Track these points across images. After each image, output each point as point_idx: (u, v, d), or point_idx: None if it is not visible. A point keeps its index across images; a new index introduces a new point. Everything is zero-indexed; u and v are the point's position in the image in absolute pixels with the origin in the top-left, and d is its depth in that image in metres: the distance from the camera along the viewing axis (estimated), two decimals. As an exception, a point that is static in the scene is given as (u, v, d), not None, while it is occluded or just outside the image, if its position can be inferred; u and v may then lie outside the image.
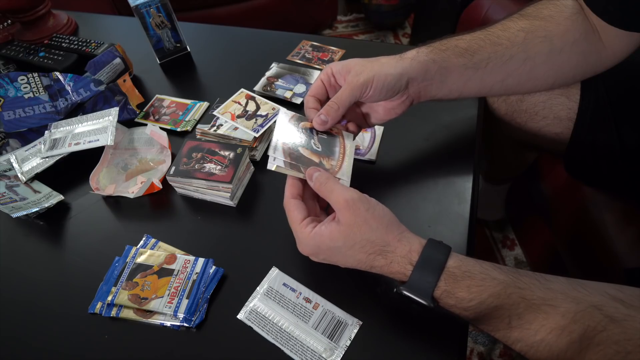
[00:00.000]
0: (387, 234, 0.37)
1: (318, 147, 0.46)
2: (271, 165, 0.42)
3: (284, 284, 0.45)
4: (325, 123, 0.44)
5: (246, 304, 0.44)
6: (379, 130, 0.59)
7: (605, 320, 0.31)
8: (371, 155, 0.56)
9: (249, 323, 0.42)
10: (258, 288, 0.45)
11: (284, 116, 0.48)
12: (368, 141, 0.57)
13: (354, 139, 0.48)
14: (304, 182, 0.43)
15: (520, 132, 0.69)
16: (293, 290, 0.44)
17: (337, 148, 0.47)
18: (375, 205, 0.39)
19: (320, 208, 0.45)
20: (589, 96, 0.61)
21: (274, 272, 0.46)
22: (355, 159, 0.56)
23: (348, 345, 0.40)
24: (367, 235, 0.37)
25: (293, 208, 0.41)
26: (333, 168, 0.45)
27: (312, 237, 0.39)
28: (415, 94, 0.46)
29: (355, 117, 0.50)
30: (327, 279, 0.45)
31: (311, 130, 0.47)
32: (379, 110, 0.49)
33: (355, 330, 0.41)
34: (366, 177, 0.55)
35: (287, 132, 0.46)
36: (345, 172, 0.45)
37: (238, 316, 0.43)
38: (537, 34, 0.46)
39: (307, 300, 0.43)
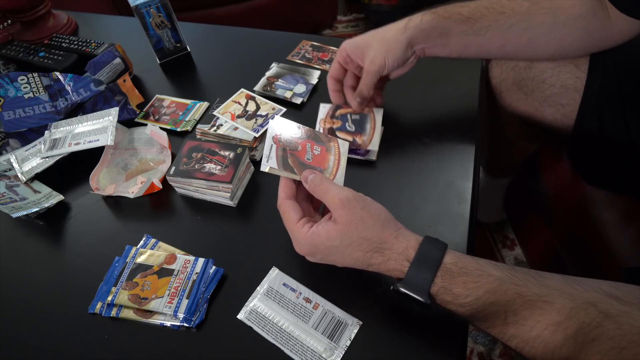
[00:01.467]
0: (384, 232, 0.38)
1: (352, 128, 0.56)
2: (264, 167, 0.43)
3: (284, 284, 0.45)
4: (363, 105, 0.55)
5: (246, 304, 0.44)
6: (378, 131, 0.59)
7: (600, 317, 0.31)
8: (371, 155, 0.56)
9: (249, 323, 0.42)
10: (258, 288, 0.45)
11: (280, 121, 0.48)
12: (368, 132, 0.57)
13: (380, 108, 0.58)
14: (297, 183, 0.44)
15: (526, 103, 0.68)
16: (293, 290, 0.44)
17: (368, 125, 0.57)
18: (370, 204, 0.39)
19: (314, 209, 0.46)
20: (596, 74, 0.60)
21: (274, 272, 0.46)
22: (355, 159, 0.56)
23: (348, 345, 0.40)
24: (363, 233, 0.37)
25: (289, 209, 0.41)
26: (364, 142, 0.55)
27: (309, 237, 0.39)
28: (420, 52, 0.53)
29: (376, 85, 0.56)
30: (327, 280, 0.45)
31: (345, 116, 0.57)
32: (394, 72, 0.56)
33: (355, 330, 0.41)
34: (366, 177, 0.55)
35: (286, 133, 0.46)
36: (375, 142, 0.55)
37: (238, 316, 0.43)
38: (541, 4, 0.47)
39: (307, 300, 0.43)
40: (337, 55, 0.55)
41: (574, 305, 0.32)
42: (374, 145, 0.56)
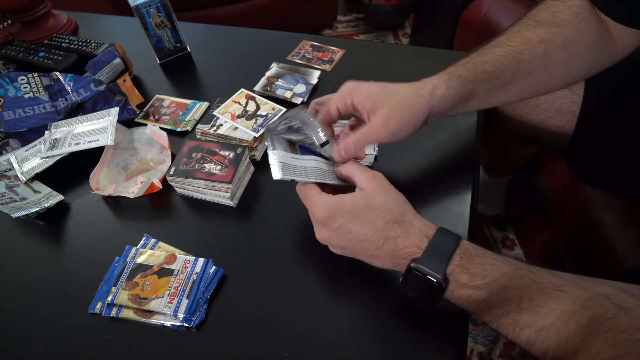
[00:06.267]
0: (405, 206, 0.40)
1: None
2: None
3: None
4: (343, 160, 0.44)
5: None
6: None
7: (614, 309, 0.31)
8: (368, 159, 0.56)
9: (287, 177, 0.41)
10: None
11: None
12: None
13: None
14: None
15: (522, 124, 0.69)
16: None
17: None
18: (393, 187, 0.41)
19: None
20: (593, 90, 0.60)
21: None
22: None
23: None
24: (388, 202, 0.39)
25: (312, 186, 0.41)
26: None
27: (334, 200, 0.39)
28: (434, 119, 0.46)
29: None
30: (327, 280, 0.45)
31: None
32: None
33: None
34: (366, 177, 0.55)
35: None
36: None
37: (275, 177, 0.41)
38: (556, 42, 0.46)
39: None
40: (337, 101, 0.44)
41: (589, 296, 0.32)
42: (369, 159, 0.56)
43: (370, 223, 0.38)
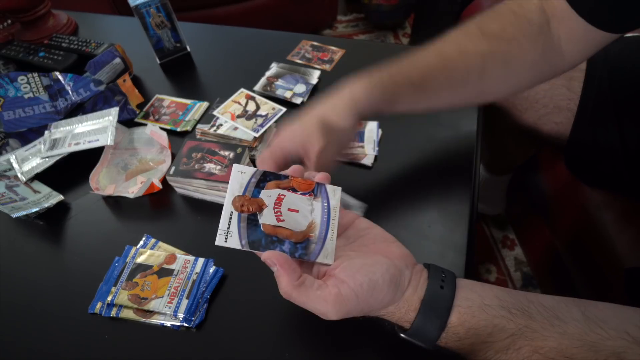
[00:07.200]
0: (381, 309, 0.34)
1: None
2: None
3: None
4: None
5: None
6: (375, 132, 0.59)
7: None
8: (368, 159, 0.56)
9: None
10: None
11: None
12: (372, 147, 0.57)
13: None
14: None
15: (521, 120, 0.69)
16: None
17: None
18: (367, 289, 0.31)
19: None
20: (591, 90, 0.60)
21: None
22: (353, 163, 0.56)
23: None
24: (362, 312, 0.33)
25: (305, 288, 0.33)
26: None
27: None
28: (363, 118, 0.44)
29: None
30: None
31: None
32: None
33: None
34: (365, 177, 0.55)
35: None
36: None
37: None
38: (495, 57, 0.44)
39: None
40: (269, 152, 0.40)
41: (599, 358, 0.29)
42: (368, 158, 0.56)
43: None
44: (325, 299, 0.31)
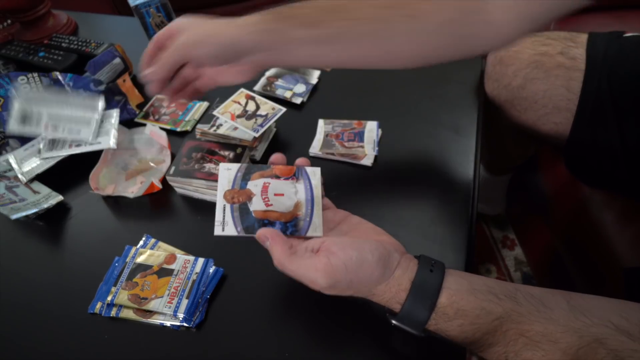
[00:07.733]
0: (372, 287, 0.35)
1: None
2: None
3: None
4: (155, 89, 0.46)
5: None
6: (376, 131, 0.59)
7: (609, 357, 0.29)
8: (368, 159, 0.56)
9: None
10: None
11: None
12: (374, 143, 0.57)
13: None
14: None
15: (520, 120, 0.69)
16: None
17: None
18: (356, 262, 0.33)
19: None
20: (591, 90, 0.60)
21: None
22: (353, 163, 0.56)
23: None
24: (352, 287, 0.34)
25: (295, 257, 0.35)
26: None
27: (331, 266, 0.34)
28: (256, 62, 0.43)
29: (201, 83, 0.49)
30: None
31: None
32: (226, 73, 0.47)
33: None
34: (365, 177, 0.55)
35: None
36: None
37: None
38: (401, 11, 0.40)
39: None
40: (149, 45, 0.48)
41: (582, 344, 0.30)
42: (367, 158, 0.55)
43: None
44: (315, 267, 0.33)
